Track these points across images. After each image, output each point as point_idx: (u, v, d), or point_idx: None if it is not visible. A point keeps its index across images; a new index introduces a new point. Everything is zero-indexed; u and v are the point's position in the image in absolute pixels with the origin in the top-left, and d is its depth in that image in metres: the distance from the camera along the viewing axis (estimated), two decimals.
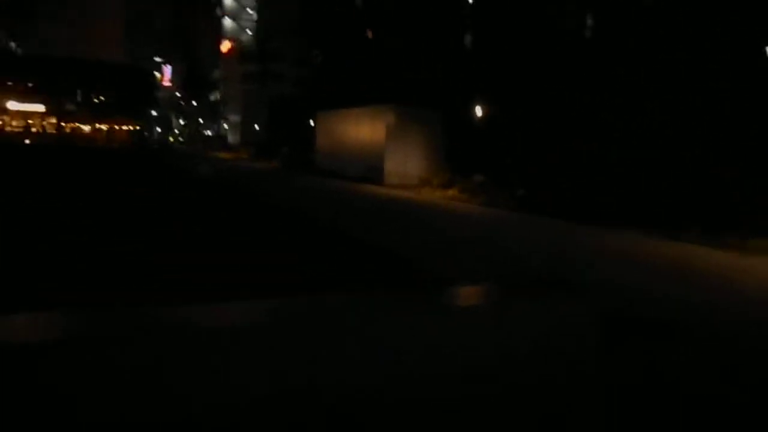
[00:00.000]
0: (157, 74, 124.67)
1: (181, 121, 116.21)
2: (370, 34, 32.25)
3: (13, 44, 74.09)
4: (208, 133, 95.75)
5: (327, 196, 16.70)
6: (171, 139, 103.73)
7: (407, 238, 8.95)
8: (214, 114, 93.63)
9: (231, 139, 67.37)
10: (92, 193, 13.99)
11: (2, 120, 52.38)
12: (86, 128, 55.86)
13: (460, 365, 2.49)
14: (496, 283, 5.44)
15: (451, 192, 17.78)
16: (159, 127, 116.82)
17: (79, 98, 56.78)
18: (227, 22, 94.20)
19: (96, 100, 57.50)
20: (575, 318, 2.78)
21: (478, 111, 20.72)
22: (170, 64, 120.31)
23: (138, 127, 60.00)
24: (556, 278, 5.82)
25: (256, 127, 50.59)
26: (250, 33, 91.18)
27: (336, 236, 8.78)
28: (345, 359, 2.25)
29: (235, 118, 69.22)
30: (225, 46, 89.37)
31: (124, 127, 57.30)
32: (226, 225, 9.93)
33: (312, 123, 30.20)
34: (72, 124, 55.49)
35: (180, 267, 5.86)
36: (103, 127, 56.25)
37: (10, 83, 53.14)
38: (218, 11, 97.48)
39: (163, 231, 8.55)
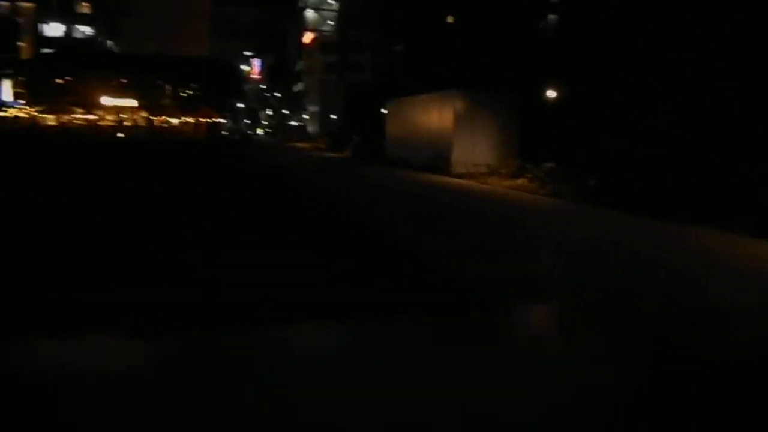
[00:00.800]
0: (246, 68, 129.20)
1: (268, 112, 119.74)
2: (451, 20, 31.17)
3: (110, 43, 78.83)
4: (293, 123, 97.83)
5: (381, 187, 15.82)
6: (260, 130, 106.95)
7: (445, 239, 7.95)
8: (297, 105, 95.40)
9: (310, 129, 68.22)
10: (161, 182, 14.18)
11: (97, 115, 55.78)
12: (174, 121, 58.34)
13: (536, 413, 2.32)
14: (556, 306, 4.67)
15: (520, 181, 16.49)
16: (247, 118, 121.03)
17: (168, 93, 59.35)
18: (309, 13, 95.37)
19: (183, 94, 59.88)
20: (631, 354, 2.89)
21: (552, 95, 19.15)
22: (258, 58, 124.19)
23: (223, 120, 61.96)
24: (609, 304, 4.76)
25: (333, 116, 50.67)
26: (331, 24, 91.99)
27: (371, 238, 7.92)
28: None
29: (314, 108, 69.97)
30: (307, 37, 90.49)
31: (210, 120, 59.35)
32: (268, 220, 9.40)
33: (385, 112, 29.56)
34: (161, 118, 58.14)
35: (223, 266, 5.81)
36: (190, 119, 58.53)
37: (105, 80, 56.34)
38: (300, 3, 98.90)
39: (209, 226, 8.26)
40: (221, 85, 65.49)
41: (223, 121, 61.95)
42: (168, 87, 59.89)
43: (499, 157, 19.61)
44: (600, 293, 5.13)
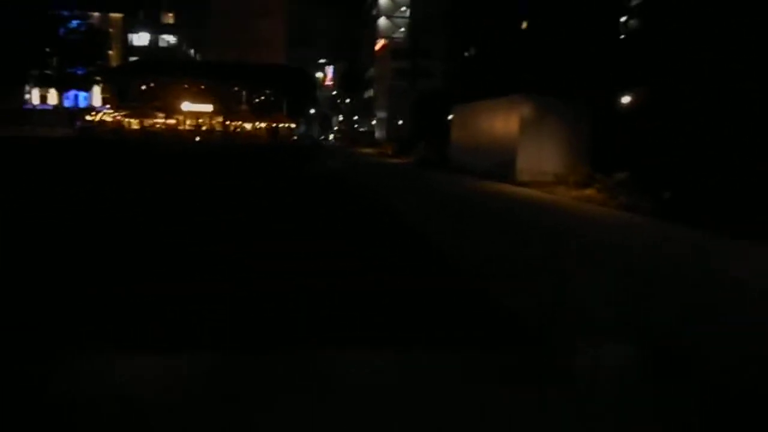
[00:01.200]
0: (320, 75, 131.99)
1: (340, 118, 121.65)
2: (524, 25, 30.39)
3: (192, 51, 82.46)
4: (362, 129, 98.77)
5: (433, 193, 15.29)
6: (331, 135, 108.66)
7: (498, 262, 7.35)
8: (367, 111, 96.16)
9: (378, 134, 68.52)
10: (220, 183, 14.35)
11: (177, 119, 58.30)
12: (248, 126, 60.06)
13: None
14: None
15: (588, 192, 15.50)
16: (320, 124, 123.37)
17: (243, 99, 61.21)
18: (382, 21, 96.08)
19: (257, 100, 61.57)
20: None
21: (626, 101, 18.00)
22: (332, 65, 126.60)
23: (293, 125, 63.23)
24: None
25: (400, 122, 50.51)
26: (402, 30, 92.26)
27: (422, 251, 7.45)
28: None
29: (382, 114, 70.22)
30: (379, 44, 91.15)
31: (281, 125, 60.69)
32: (319, 227, 9.16)
33: (450, 118, 29.05)
34: (236, 123, 60.00)
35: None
36: (263, 124, 60.08)
37: (186, 86, 58.81)
38: (374, 11, 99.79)
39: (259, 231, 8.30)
40: (294, 92, 66.92)
41: (293, 126, 63.20)
42: (243, 93, 61.78)
43: (568, 165, 18.62)
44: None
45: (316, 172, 21.39)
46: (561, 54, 22.98)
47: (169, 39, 77.36)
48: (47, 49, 63.05)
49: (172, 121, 58.31)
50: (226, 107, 59.50)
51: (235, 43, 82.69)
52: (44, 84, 67.11)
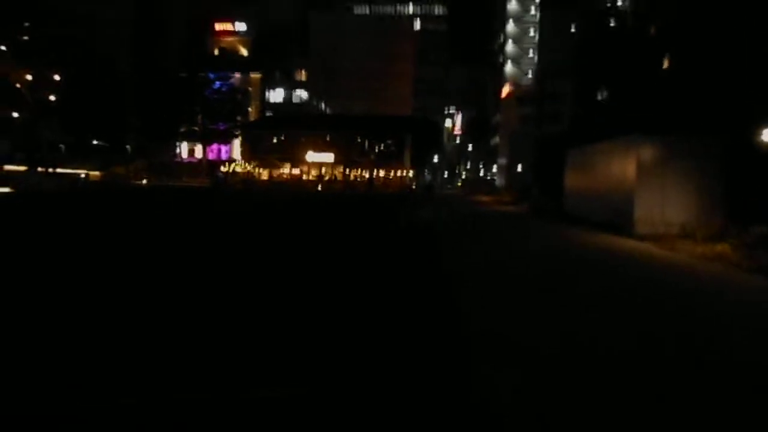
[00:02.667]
0: (449, 123, 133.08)
1: (468, 165, 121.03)
2: (666, 64, 27.95)
3: (322, 105, 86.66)
4: (486, 177, 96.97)
5: (521, 252, 13.29)
6: (459, 182, 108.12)
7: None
8: (492, 158, 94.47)
9: (498, 181, 66.46)
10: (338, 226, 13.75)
11: (301, 170, 60.89)
12: (367, 175, 61.07)
13: None
14: None
15: (719, 248, 12.80)
16: (447, 172, 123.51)
17: (364, 149, 62.64)
18: (509, 67, 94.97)
19: (378, 150, 62.67)
20: None
21: None
22: (461, 114, 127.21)
23: (412, 173, 63.31)
24: None
25: (519, 168, 48.42)
26: (529, 76, 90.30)
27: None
28: None
29: (503, 161, 68.22)
30: (505, 90, 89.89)
31: (400, 173, 60.97)
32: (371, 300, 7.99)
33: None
34: (356, 172, 61.31)
35: None
36: (382, 173, 60.77)
37: (311, 138, 61.51)
38: (501, 58, 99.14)
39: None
40: (416, 141, 67.38)
41: (412, 174, 63.26)
42: (364, 143, 63.21)
43: (697, 214, 15.86)
44: None
45: (412, 221, 20.25)
46: (690, 89, 20.29)
47: (302, 94, 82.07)
48: (195, 108, 69.54)
49: (296, 171, 61.02)
50: (346, 157, 61.13)
51: (362, 96, 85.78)
52: (191, 139, 73.85)
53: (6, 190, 35.12)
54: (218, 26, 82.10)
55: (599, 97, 37.87)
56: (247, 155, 64.34)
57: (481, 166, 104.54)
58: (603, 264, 11.35)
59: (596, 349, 5.00)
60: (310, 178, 60.65)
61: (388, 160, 62.65)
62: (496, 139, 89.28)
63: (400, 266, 9.43)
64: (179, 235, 13.95)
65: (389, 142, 64.87)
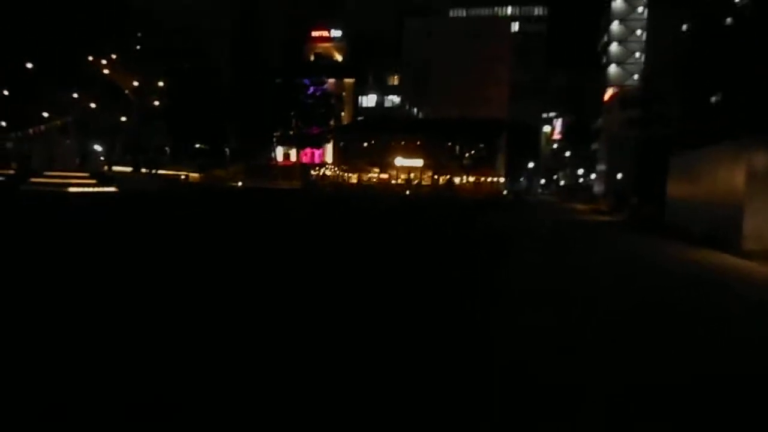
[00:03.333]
0: (547, 128, 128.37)
1: (567, 172, 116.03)
2: None
3: (414, 109, 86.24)
4: (588, 183, 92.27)
5: (608, 271, 11.66)
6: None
7: None
8: (592, 164, 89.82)
9: (596, 188, 62.70)
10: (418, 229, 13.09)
11: (390, 174, 60.61)
12: (456, 180, 59.78)
13: None
14: None
15: None
16: (544, 178, 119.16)
17: (454, 153, 61.42)
18: (612, 69, 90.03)
19: (468, 155, 61.21)
20: None
21: None
22: (561, 118, 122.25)
23: (502, 179, 61.22)
24: None
25: (619, 175, 45.20)
26: (635, 78, 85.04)
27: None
28: None
29: (602, 167, 64.31)
30: (608, 93, 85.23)
31: (490, 179, 59.15)
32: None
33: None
34: (445, 177, 60.20)
35: None
36: (471, 178, 59.26)
37: (401, 142, 61.17)
38: (604, 59, 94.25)
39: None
40: (508, 145, 65.28)
41: (502, 180, 61.14)
42: (455, 148, 61.99)
43: None
44: None
45: (488, 229, 19.01)
46: None
47: (394, 99, 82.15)
48: (290, 113, 71.48)
49: (385, 176, 60.86)
50: (436, 162, 60.15)
51: (456, 100, 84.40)
52: (286, 143, 75.98)
53: (112, 189, 37.44)
54: (314, 33, 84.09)
55: (712, 100, 34.73)
56: (337, 159, 65.16)
57: (580, 172, 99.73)
58: (681, 271, 9.67)
59: None
60: (399, 182, 60.28)
61: (478, 165, 61.03)
62: (597, 145, 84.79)
63: (448, 281, 8.43)
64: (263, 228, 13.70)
65: (481, 146, 63.20)
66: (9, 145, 50.57)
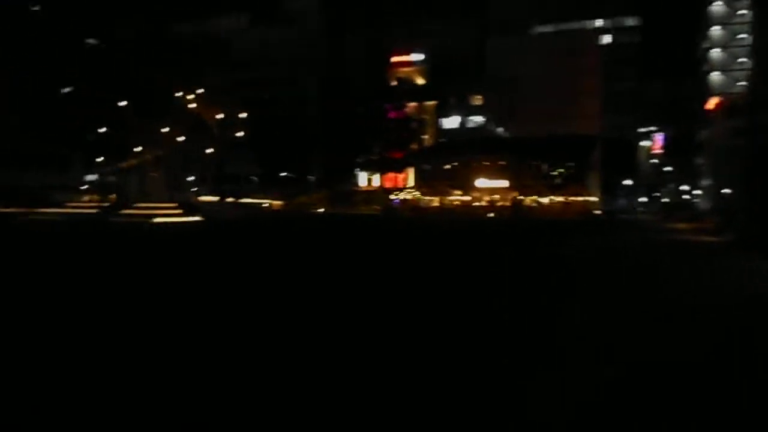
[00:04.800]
0: (646, 143, 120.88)
1: (669, 188, 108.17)
2: None
3: (500, 129, 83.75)
4: (692, 200, 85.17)
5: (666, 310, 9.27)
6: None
7: None
8: (695, 179, 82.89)
9: (701, 205, 57.11)
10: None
11: (473, 196, 58.51)
12: (544, 201, 56.73)
13: None
14: None
15: None
16: (645, 196, 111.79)
17: (541, 173, 58.52)
18: (714, 76, 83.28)
19: (557, 174, 58.08)
20: None
21: None
22: (662, 132, 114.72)
23: (594, 198, 57.38)
24: None
25: (727, 190, 40.64)
26: (742, 84, 78.02)
27: None
28: None
29: (708, 182, 58.70)
30: (711, 102, 78.76)
31: (581, 198, 55.58)
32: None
33: None
34: (531, 198, 57.34)
35: None
36: (560, 198, 55.98)
37: (484, 163, 59.11)
38: (705, 67, 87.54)
39: None
40: (601, 163, 61.48)
41: (594, 199, 57.27)
42: (542, 167, 59.08)
43: None
44: None
45: (558, 253, 16.92)
46: None
47: (477, 119, 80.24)
48: (372, 139, 71.66)
49: (467, 198, 58.87)
50: (521, 182, 57.46)
51: (544, 117, 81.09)
52: (368, 168, 76.13)
53: (197, 218, 38.54)
54: (395, 58, 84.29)
55: None
56: (418, 182, 64.10)
57: (683, 188, 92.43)
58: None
59: None
60: (482, 204, 58.07)
61: (568, 183, 57.66)
62: (701, 158, 78.21)
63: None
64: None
65: (570, 164, 59.84)
66: (111, 178, 53.52)
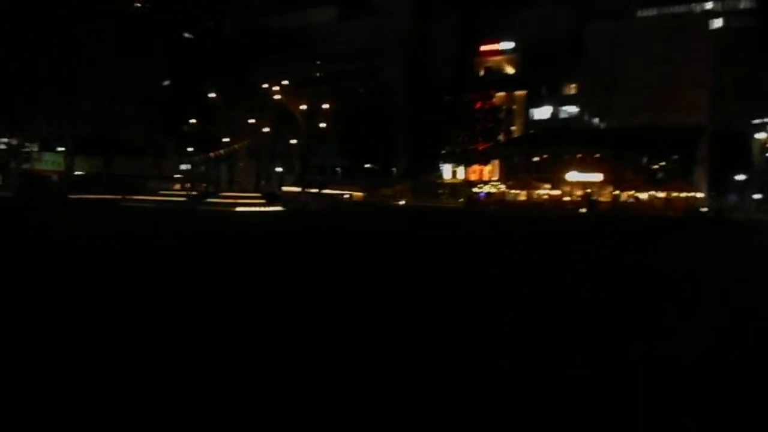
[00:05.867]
0: (760, 135, 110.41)
1: None
2: None
3: (596, 120, 78.93)
4: None
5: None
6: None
7: None
8: None
9: None
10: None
11: (563, 190, 55.14)
12: (643, 196, 52.46)
13: None
14: None
15: None
16: (759, 192, 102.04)
17: (640, 166, 54.23)
18: None
19: (658, 167, 53.56)
20: None
21: None
22: None
23: (700, 194, 52.36)
24: None
25: None
26: None
27: None
28: None
29: None
30: None
31: (684, 194, 50.86)
32: None
33: None
34: (629, 193, 53.23)
35: None
36: (661, 194, 51.52)
37: (576, 156, 55.57)
38: None
39: None
40: (710, 157, 56.25)
41: (700, 195, 52.24)
42: (642, 160, 54.70)
43: None
44: None
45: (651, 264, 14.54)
46: None
47: (571, 109, 75.96)
48: (458, 130, 69.64)
49: (556, 192, 55.57)
50: (618, 176, 53.40)
51: (647, 108, 75.42)
52: (454, 160, 74.17)
53: (279, 208, 38.72)
54: (484, 47, 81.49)
55: None
56: (504, 175, 61.49)
57: None
58: None
59: None
60: (574, 198, 54.61)
61: (671, 178, 53.02)
62: None
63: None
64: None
65: (674, 157, 55.04)
66: (203, 168, 55.24)
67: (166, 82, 63.00)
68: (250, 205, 37.75)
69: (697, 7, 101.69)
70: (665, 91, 79.84)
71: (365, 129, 72.06)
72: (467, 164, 70.86)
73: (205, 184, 45.93)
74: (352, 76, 78.63)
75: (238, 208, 35.99)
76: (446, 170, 77.52)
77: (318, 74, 75.65)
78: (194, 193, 42.57)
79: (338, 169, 72.34)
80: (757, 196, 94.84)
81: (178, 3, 69.66)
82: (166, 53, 61.91)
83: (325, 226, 24.39)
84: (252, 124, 49.10)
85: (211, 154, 45.87)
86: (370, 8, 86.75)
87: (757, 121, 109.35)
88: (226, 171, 48.02)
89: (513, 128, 75.65)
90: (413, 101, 78.03)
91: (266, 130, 48.51)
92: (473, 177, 73.19)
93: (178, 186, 49.15)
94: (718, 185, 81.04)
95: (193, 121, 51.31)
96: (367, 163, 74.79)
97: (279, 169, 59.12)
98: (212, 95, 48.87)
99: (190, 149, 51.91)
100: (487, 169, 71.42)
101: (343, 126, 61.14)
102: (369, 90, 77.82)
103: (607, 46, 79.72)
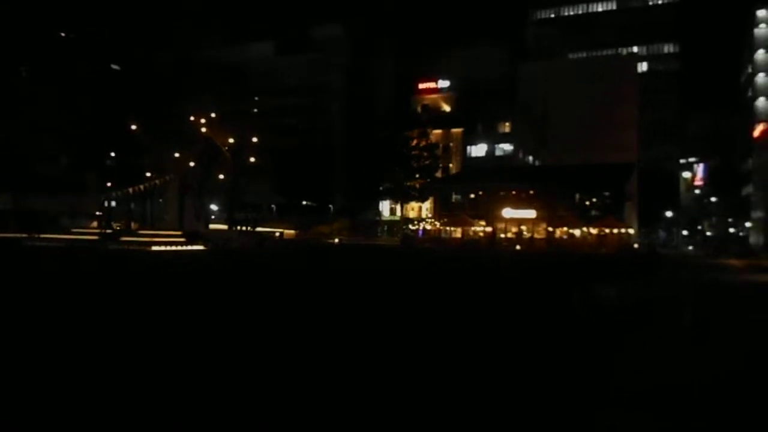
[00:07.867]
0: (687, 174, 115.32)
1: (713, 221, 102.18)
2: None
3: (530, 157, 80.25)
4: (741, 234, 79.44)
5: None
6: (702, 242, 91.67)
7: None
8: (744, 212, 77.41)
9: (753, 240, 52.21)
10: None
11: (496, 227, 54.90)
12: (576, 233, 52.78)
13: None
14: None
15: None
16: (685, 229, 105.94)
17: (572, 203, 54.73)
18: (761, 102, 78.50)
19: (590, 204, 54.15)
20: None
21: None
22: (702, 163, 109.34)
23: (631, 230, 53.10)
24: None
25: None
26: None
27: None
28: None
29: (759, 214, 53.88)
30: (757, 130, 74.10)
31: (615, 231, 51.42)
32: None
33: None
34: (562, 229, 53.47)
35: None
36: (593, 231, 51.93)
37: (510, 192, 55.66)
38: (749, 93, 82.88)
39: None
40: (639, 194, 57.44)
41: (631, 231, 52.98)
42: (574, 197, 55.26)
43: None
44: None
45: (600, 301, 13.51)
46: None
47: (505, 147, 76.96)
48: (395, 167, 68.94)
49: (489, 229, 55.30)
50: (551, 213, 53.65)
51: (578, 146, 77.35)
52: (390, 197, 73.31)
53: (200, 247, 36.22)
54: (421, 85, 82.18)
55: None
56: (438, 212, 60.95)
57: (731, 221, 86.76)
58: None
59: None
60: (508, 236, 54.39)
61: (602, 215, 53.65)
62: (749, 189, 73.07)
63: None
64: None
65: (605, 194, 55.88)
66: (119, 204, 51.88)
67: (89, 114, 59.91)
68: (168, 243, 35.24)
69: (624, 51, 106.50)
70: (596, 130, 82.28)
71: (302, 165, 70.52)
72: (404, 201, 70.13)
73: (122, 222, 43.01)
74: (289, 111, 77.45)
75: (154, 247, 33.42)
76: (385, 207, 76.57)
77: (254, 109, 73.99)
78: (109, 231, 39.60)
79: (273, 206, 70.17)
80: (684, 233, 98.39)
81: (106, 34, 67.15)
82: (90, 83, 59.09)
83: (239, 264, 22.74)
84: (177, 158, 46.66)
85: (130, 190, 43.10)
86: (309, 45, 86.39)
87: (683, 161, 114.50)
88: (150, 207, 45.27)
89: (451, 165, 75.78)
90: (351, 137, 77.34)
91: (192, 164, 46.17)
92: (412, 214, 72.43)
93: (95, 224, 45.84)
94: (649, 221, 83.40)
95: (112, 154, 48.48)
96: (303, 200, 73.01)
97: (213, 207, 56.51)
98: (134, 127, 46.33)
99: (108, 184, 48.87)
100: (425, 206, 70.90)
101: (276, 162, 59.37)
102: (306, 125, 76.73)
103: (540, 86, 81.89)
